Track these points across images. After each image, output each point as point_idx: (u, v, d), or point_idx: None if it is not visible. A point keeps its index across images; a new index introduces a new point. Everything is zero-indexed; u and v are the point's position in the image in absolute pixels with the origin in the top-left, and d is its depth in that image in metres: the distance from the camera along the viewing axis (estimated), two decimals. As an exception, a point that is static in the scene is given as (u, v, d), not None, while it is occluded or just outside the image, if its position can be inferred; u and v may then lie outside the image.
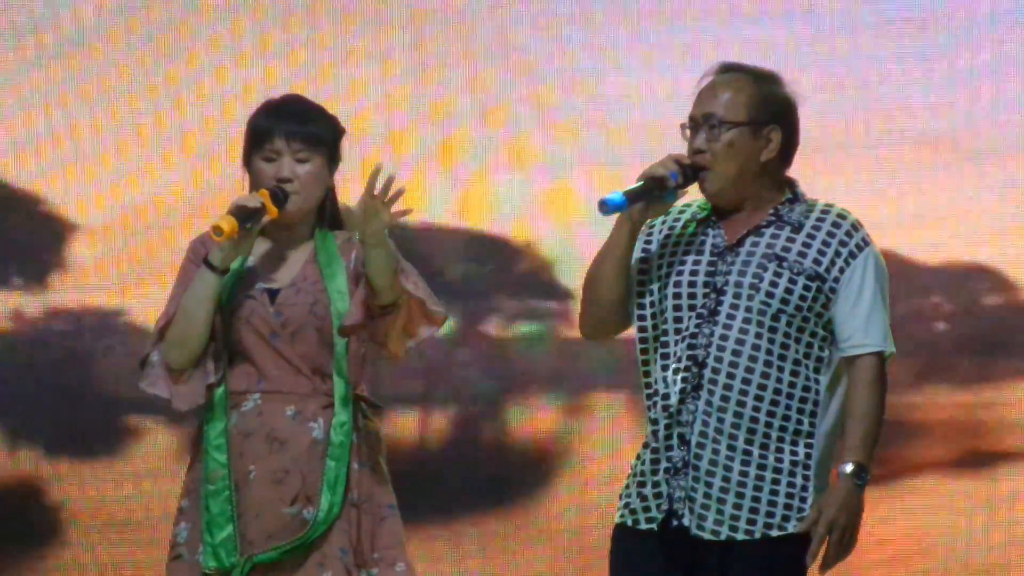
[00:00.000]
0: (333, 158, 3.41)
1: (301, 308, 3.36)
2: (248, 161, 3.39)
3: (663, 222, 3.23)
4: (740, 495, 3.09)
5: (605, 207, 3.11)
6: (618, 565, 3.22)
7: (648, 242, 3.24)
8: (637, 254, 3.22)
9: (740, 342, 3.09)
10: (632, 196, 3.12)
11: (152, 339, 3.40)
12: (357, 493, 3.36)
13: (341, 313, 3.32)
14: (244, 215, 3.27)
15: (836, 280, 3.14)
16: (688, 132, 3.17)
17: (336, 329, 3.33)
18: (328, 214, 3.44)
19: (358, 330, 3.34)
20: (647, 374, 3.21)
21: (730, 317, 3.10)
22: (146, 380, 3.40)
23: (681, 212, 3.24)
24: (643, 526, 3.15)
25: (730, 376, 3.09)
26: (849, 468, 3.10)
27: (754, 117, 3.15)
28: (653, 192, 3.12)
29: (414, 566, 3.45)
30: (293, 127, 3.38)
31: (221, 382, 3.36)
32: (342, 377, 3.34)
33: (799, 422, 3.12)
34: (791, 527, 3.09)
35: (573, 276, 5.32)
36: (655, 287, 3.20)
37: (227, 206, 3.29)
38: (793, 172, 3.25)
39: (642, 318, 3.21)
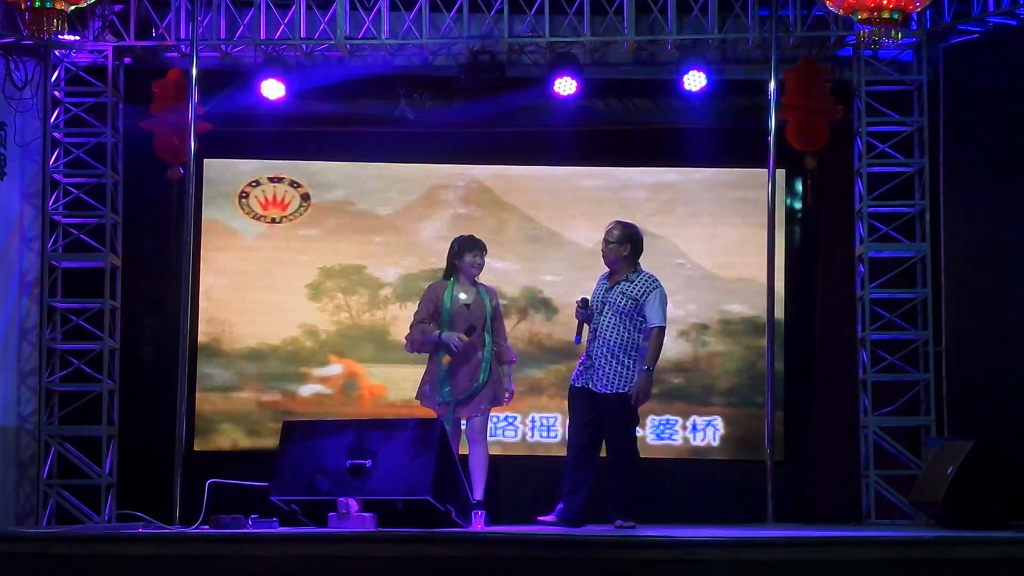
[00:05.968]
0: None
1: (476, 311, 9.29)
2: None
3: (597, 282, 9.01)
4: (609, 376, 8.78)
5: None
6: (572, 398, 8.95)
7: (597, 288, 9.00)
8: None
9: (612, 323, 8.83)
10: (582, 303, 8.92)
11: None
12: (496, 374, 9.26)
13: (489, 313, 9.24)
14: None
15: (644, 299, 8.84)
16: (603, 245, 8.94)
17: (488, 319, 9.27)
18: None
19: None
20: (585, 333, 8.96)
21: (607, 312, 8.85)
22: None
23: (602, 276, 9.00)
24: (579, 385, 8.91)
25: (606, 333, 8.82)
26: (646, 368, 8.80)
27: (619, 240, 8.92)
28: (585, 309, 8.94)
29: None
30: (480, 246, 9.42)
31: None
32: (488, 335, 9.25)
33: (633, 349, 8.81)
34: (627, 390, 8.79)
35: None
36: (593, 301, 8.93)
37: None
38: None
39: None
